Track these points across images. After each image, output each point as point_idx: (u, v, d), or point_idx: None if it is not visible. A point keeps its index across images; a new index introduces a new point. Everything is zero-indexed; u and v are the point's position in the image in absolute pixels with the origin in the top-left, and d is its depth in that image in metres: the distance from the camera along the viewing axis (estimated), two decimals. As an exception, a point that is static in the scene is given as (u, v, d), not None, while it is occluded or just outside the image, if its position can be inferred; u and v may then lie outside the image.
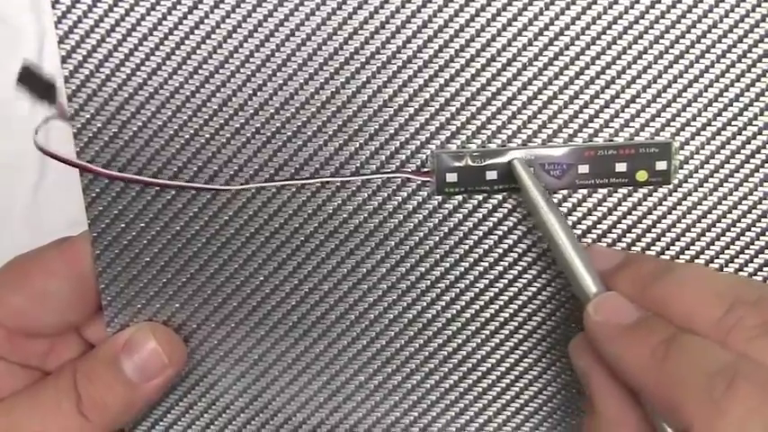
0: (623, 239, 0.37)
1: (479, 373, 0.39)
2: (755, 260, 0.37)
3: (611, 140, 0.36)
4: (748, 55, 0.35)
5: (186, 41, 0.35)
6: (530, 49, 0.35)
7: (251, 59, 0.35)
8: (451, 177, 0.36)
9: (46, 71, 0.38)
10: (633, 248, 0.37)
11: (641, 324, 0.31)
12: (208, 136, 0.36)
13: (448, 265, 0.37)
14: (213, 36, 0.35)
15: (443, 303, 0.38)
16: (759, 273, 0.37)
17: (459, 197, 0.37)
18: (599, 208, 0.37)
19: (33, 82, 0.38)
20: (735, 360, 0.28)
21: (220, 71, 0.35)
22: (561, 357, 0.39)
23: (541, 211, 0.34)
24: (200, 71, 0.35)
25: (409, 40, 0.35)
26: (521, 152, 0.36)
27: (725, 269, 0.37)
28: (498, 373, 0.39)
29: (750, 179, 0.36)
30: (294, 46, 0.35)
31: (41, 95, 0.37)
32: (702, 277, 0.32)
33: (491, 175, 0.36)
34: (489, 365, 0.39)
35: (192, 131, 0.36)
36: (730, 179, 0.36)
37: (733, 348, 0.29)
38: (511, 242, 0.37)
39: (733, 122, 0.36)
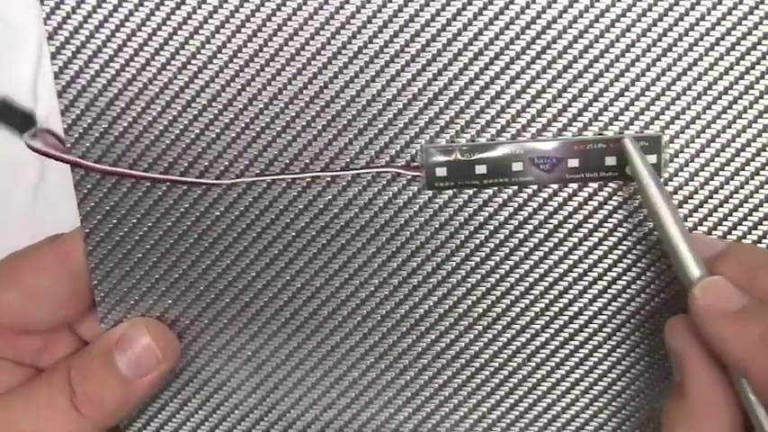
0: (614, 234, 0.37)
1: (473, 368, 0.39)
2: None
3: (601, 134, 0.36)
4: (737, 47, 0.35)
5: (176, 36, 0.35)
6: (518, 43, 0.36)
7: (240, 54, 0.36)
8: (441, 172, 0.36)
9: (21, 104, 0.38)
10: (625, 243, 0.37)
11: (750, 310, 0.31)
12: (198, 131, 0.36)
13: (439, 260, 0.38)
14: (202, 31, 0.35)
15: (435, 298, 0.38)
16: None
17: (450, 192, 0.37)
18: (590, 202, 0.37)
19: (10, 115, 0.38)
20: None
21: (210, 66, 0.36)
22: (554, 352, 0.39)
23: (651, 193, 0.34)
24: (189, 66, 0.36)
25: (397, 35, 0.35)
26: (629, 139, 0.36)
27: None
28: (492, 368, 0.39)
29: (741, 172, 0.36)
30: (282, 41, 0.35)
31: (21, 128, 0.37)
32: None
33: (480, 169, 0.36)
34: (483, 360, 0.39)
35: (182, 127, 0.36)
36: (721, 172, 0.36)
37: None
38: (502, 236, 0.37)
39: (723, 115, 0.36)
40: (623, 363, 0.39)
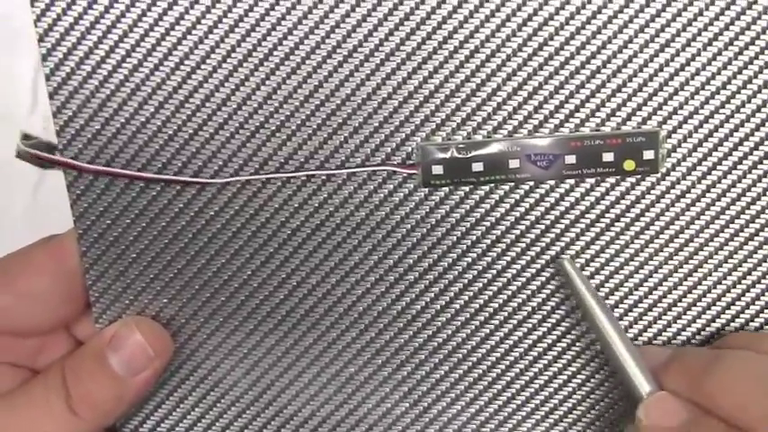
0: (611, 229, 0.38)
1: (470, 363, 0.40)
2: (744, 247, 0.38)
3: (598, 130, 0.37)
4: (735, 42, 0.36)
5: (168, 36, 0.36)
6: (514, 40, 0.36)
7: (234, 53, 0.36)
8: (437, 170, 0.37)
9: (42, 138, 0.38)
10: (621, 238, 0.38)
11: (693, 425, 0.33)
12: (192, 130, 0.37)
13: (436, 256, 0.38)
14: (195, 31, 0.36)
15: (432, 294, 0.39)
16: (748, 260, 0.38)
17: (446, 189, 0.37)
18: (587, 197, 0.37)
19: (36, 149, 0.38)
20: None
21: (204, 65, 0.36)
22: (550, 346, 0.39)
23: (593, 312, 0.36)
24: (183, 65, 0.36)
25: (393, 33, 0.36)
26: (566, 260, 0.38)
27: (714, 257, 0.38)
28: (489, 363, 0.40)
29: (738, 166, 0.37)
30: (277, 39, 0.36)
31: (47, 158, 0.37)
32: (751, 366, 0.33)
33: (477, 166, 0.37)
34: (480, 355, 0.40)
35: (176, 126, 0.37)
36: (719, 167, 0.37)
37: None
38: (498, 233, 0.38)
39: (720, 110, 0.37)
40: None
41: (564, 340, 0.39)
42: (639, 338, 0.39)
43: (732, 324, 0.39)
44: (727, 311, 0.39)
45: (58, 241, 0.38)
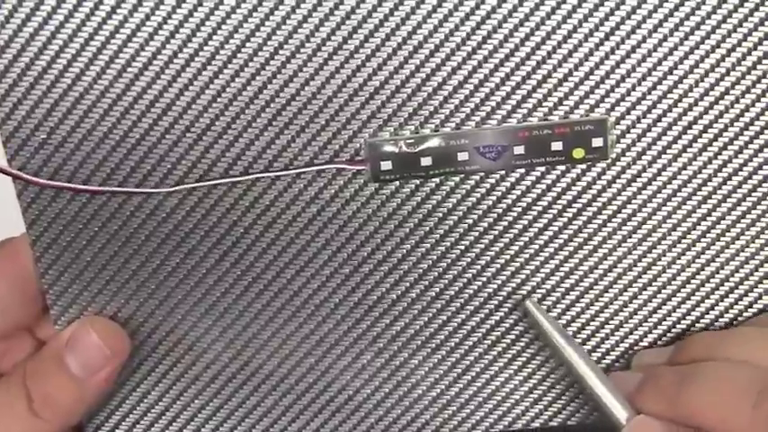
0: (563, 215, 0.39)
1: (428, 350, 0.41)
2: (696, 229, 0.39)
3: (546, 120, 0.37)
4: (679, 28, 0.36)
5: (109, 45, 0.36)
6: (458, 34, 0.36)
7: (175, 59, 0.36)
8: (386, 165, 0.38)
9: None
10: (572, 225, 0.39)
11: None
12: (137, 138, 0.37)
13: (389, 248, 0.39)
14: (136, 38, 0.36)
15: (388, 285, 0.40)
16: (697, 243, 0.39)
17: (396, 183, 0.38)
18: (537, 185, 0.38)
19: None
20: None
21: (144, 74, 0.36)
22: (507, 331, 0.41)
23: (563, 350, 0.38)
24: (124, 74, 0.36)
25: (335, 32, 0.36)
26: (531, 302, 0.39)
27: (666, 239, 0.39)
28: (447, 349, 0.41)
29: (688, 149, 0.38)
30: (218, 43, 0.36)
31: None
32: (722, 378, 0.34)
33: (426, 161, 0.38)
34: (437, 342, 0.41)
35: (120, 134, 0.37)
36: (668, 150, 0.38)
37: None
38: (451, 223, 0.39)
39: (668, 95, 0.37)
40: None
41: (518, 326, 0.40)
42: (596, 320, 0.40)
43: (690, 314, 0.40)
44: (680, 294, 0.40)
45: (12, 245, 0.39)
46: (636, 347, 0.41)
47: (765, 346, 0.36)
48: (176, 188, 0.38)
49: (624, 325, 0.40)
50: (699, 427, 0.34)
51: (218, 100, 0.37)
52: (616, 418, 0.36)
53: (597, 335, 0.41)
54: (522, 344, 0.41)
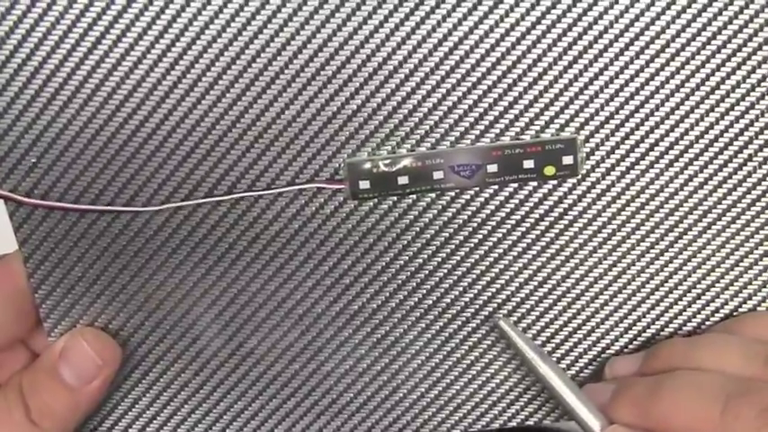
0: (535, 229, 0.40)
1: (404, 359, 0.43)
2: (663, 240, 0.41)
3: (518, 139, 0.39)
4: (646, 51, 0.38)
5: (98, 69, 0.38)
6: (433, 58, 0.38)
7: (161, 85, 0.38)
8: (364, 184, 0.39)
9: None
10: (544, 238, 0.40)
11: None
12: (125, 159, 0.39)
13: (368, 262, 0.41)
14: (124, 63, 0.38)
15: (368, 296, 0.42)
16: (665, 253, 0.41)
17: (374, 200, 0.40)
18: (510, 201, 0.40)
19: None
20: None
21: (132, 97, 0.38)
22: (483, 338, 0.43)
23: (536, 366, 0.39)
24: (111, 99, 0.38)
25: (315, 56, 0.38)
26: (504, 321, 0.41)
27: (633, 251, 0.41)
28: (422, 359, 0.43)
29: (655, 165, 0.40)
30: (203, 68, 0.38)
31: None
32: (690, 384, 0.36)
33: (402, 179, 0.39)
34: (412, 353, 0.43)
35: (109, 156, 0.39)
36: (636, 166, 0.40)
37: None
38: (427, 237, 0.41)
39: (635, 115, 0.39)
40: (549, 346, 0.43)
41: (489, 337, 0.42)
42: (567, 327, 0.42)
43: (658, 320, 0.42)
44: (649, 301, 0.42)
45: (6, 261, 0.41)
46: (606, 353, 0.43)
47: (732, 351, 0.38)
48: (163, 207, 0.39)
49: (594, 332, 0.42)
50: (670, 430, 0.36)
51: (203, 123, 0.38)
52: (590, 429, 0.38)
53: (568, 342, 0.42)
54: (497, 350, 0.43)
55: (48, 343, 0.42)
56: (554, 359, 0.42)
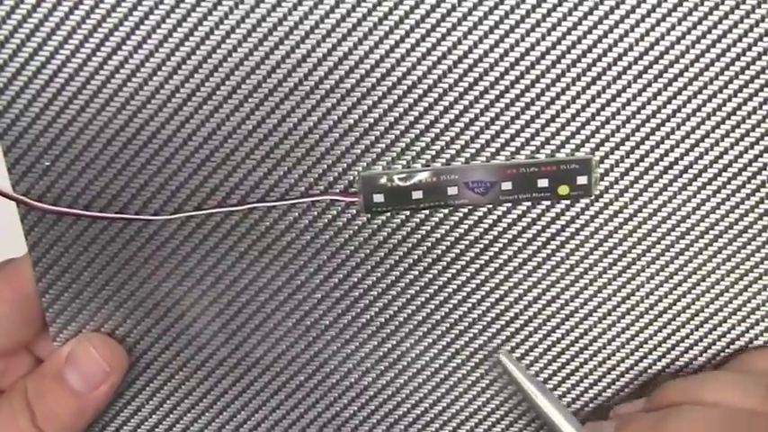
0: (547, 248, 0.41)
1: (410, 374, 0.43)
2: (676, 261, 0.41)
3: (533, 157, 0.39)
4: (664, 75, 0.38)
5: (116, 77, 0.38)
6: (452, 75, 0.38)
7: (178, 94, 0.38)
8: (378, 198, 0.40)
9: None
10: (557, 256, 0.41)
11: None
12: (139, 166, 0.39)
13: (378, 276, 0.41)
14: (141, 71, 0.38)
15: (376, 310, 0.42)
16: (678, 272, 0.41)
17: (387, 214, 0.40)
18: (523, 219, 0.40)
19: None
20: None
21: (148, 105, 0.38)
22: (490, 354, 0.43)
23: (538, 403, 0.40)
24: (128, 106, 0.38)
25: (332, 71, 0.38)
26: (504, 355, 0.41)
27: (646, 271, 0.41)
28: (429, 372, 0.43)
29: (669, 188, 0.40)
30: (220, 79, 0.38)
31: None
32: (695, 419, 0.36)
33: (417, 194, 0.40)
34: (420, 365, 0.43)
35: (123, 162, 0.39)
36: (649, 188, 0.40)
37: None
38: (438, 253, 0.41)
39: (651, 137, 0.39)
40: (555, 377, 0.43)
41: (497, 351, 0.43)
42: (572, 349, 0.43)
43: (670, 353, 0.43)
44: (662, 333, 0.42)
45: (14, 266, 0.41)
46: (612, 388, 0.43)
47: (737, 386, 0.38)
48: (174, 216, 0.39)
49: (600, 368, 0.43)
50: None
51: (218, 133, 0.39)
52: None
53: (572, 377, 0.43)
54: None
55: (52, 348, 0.42)
56: (556, 394, 0.43)
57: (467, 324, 0.42)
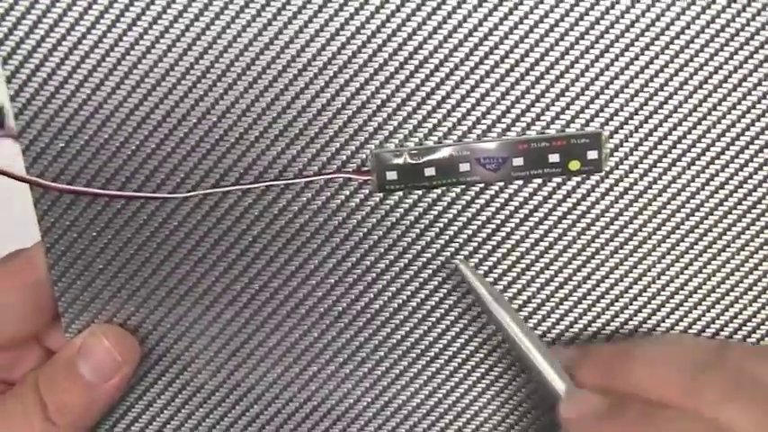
0: (559, 226, 0.41)
1: (427, 358, 0.43)
2: (686, 239, 0.41)
3: (544, 133, 0.40)
4: (671, 47, 0.39)
5: (128, 56, 0.38)
6: (461, 50, 0.39)
7: (192, 71, 0.38)
8: (391, 176, 0.40)
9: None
10: (569, 234, 0.41)
11: (614, 408, 0.35)
12: (154, 146, 0.39)
13: (393, 256, 0.41)
14: (154, 50, 0.38)
15: (390, 293, 0.42)
16: (688, 251, 0.41)
17: (400, 193, 0.40)
18: (534, 197, 0.41)
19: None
20: (706, 428, 0.32)
21: (163, 83, 0.39)
22: (503, 342, 0.43)
23: (499, 317, 0.39)
24: (142, 84, 0.39)
25: (344, 47, 0.39)
26: (463, 264, 0.40)
27: (657, 249, 0.41)
28: (446, 357, 0.43)
29: (677, 163, 0.40)
30: (232, 57, 0.38)
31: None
32: (660, 353, 0.37)
33: (429, 171, 0.40)
34: (437, 350, 0.43)
35: (137, 142, 0.39)
36: (659, 164, 0.40)
37: (706, 415, 0.33)
38: (452, 233, 0.41)
39: (660, 110, 0.40)
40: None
41: None
42: (573, 332, 0.42)
43: (682, 322, 0.42)
44: (671, 303, 0.42)
45: (25, 256, 0.41)
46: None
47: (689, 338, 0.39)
48: (191, 194, 0.40)
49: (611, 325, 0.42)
50: (637, 392, 0.35)
51: (232, 111, 0.39)
52: (554, 389, 0.37)
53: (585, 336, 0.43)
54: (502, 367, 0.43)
55: (63, 340, 0.42)
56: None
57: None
